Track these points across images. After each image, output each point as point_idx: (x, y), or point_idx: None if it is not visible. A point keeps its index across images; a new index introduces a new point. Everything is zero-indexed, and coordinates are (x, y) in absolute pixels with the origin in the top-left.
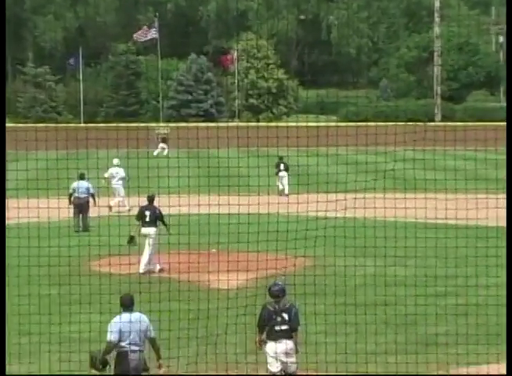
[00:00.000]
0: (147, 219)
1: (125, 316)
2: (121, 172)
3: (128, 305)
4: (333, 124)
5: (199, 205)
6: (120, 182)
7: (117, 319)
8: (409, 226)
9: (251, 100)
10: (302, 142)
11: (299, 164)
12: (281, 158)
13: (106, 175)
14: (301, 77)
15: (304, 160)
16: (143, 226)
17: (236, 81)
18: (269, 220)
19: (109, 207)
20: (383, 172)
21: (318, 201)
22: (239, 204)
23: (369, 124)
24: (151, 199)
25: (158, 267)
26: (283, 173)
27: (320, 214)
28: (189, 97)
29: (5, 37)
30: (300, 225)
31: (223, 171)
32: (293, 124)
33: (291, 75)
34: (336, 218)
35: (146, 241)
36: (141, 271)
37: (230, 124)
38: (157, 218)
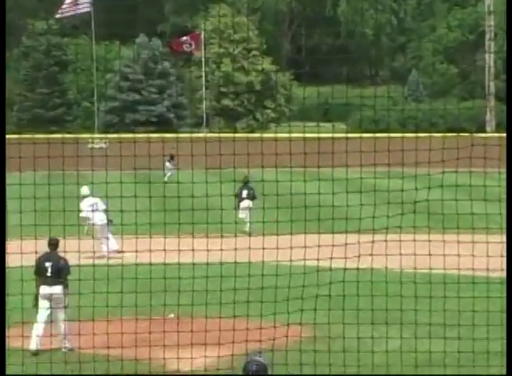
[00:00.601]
0: (48, 274)
1: None
2: (100, 204)
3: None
4: (341, 135)
5: (150, 251)
6: (103, 219)
7: None
8: (450, 281)
9: (225, 101)
10: (297, 160)
11: (293, 191)
12: (246, 182)
13: (82, 215)
14: (295, 68)
15: (300, 187)
16: (43, 284)
17: (204, 74)
18: (251, 272)
19: (119, 252)
20: (412, 204)
21: (319, 245)
22: (207, 250)
23: (392, 135)
24: (53, 244)
25: (67, 345)
26: (245, 203)
27: (323, 263)
28: (137, 97)
29: (4, 37)
30: (294, 279)
31: (185, 202)
32: (285, 135)
33: (282, 66)
34: (345, 269)
35: (45, 305)
36: (31, 347)
37: (195, 135)
38: (61, 273)
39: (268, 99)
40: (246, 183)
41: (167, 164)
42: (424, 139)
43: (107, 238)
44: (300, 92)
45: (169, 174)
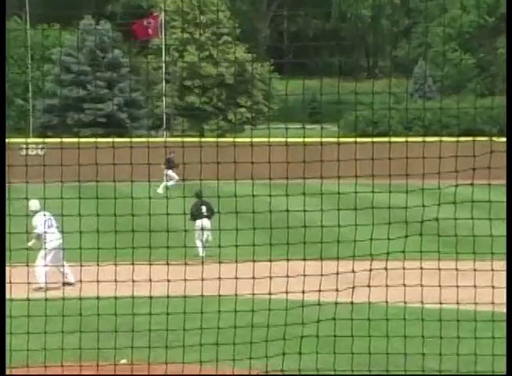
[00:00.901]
0: None
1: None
2: (54, 221)
3: None
4: (332, 139)
5: (98, 282)
6: (60, 239)
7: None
8: (465, 319)
9: (190, 98)
10: (278, 171)
11: (272, 208)
12: (200, 196)
13: (37, 231)
14: (276, 57)
15: (281, 203)
16: None
17: (164, 64)
18: (221, 307)
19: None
20: (418, 224)
21: (305, 274)
22: (168, 280)
23: (394, 140)
24: None
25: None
26: (205, 222)
27: (309, 296)
28: (81, 92)
29: (5, 38)
30: (274, 316)
31: (141, 221)
32: (263, 139)
33: (260, 55)
34: (336, 303)
35: None
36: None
37: (153, 139)
38: None
39: (243, 95)
40: (200, 197)
41: (170, 172)
42: (434, 144)
43: (63, 266)
44: (282, 86)
45: (171, 183)
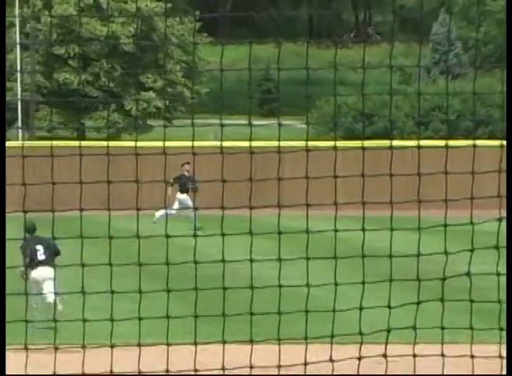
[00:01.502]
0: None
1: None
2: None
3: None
4: (296, 143)
5: None
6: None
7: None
8: None
9: (62, 75)
10: (208, 196)
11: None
12: (33, 230)
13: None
14: (205, 10)
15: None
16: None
17: (18, 18)
18: None
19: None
20: (438, 282)
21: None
22: None
23: (398, 143)
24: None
25: None
26: (38, 273)
27: None
28: None
29: (4, 38)
30: None
31: None
32: (186, 144)
33: (176, 6)
34: None
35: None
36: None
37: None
38: None
39: (150, 70)
40: (33, 233)
41: (183, 196)
42: (463, 151)
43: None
44: (214, 56)
45: (188, 205)
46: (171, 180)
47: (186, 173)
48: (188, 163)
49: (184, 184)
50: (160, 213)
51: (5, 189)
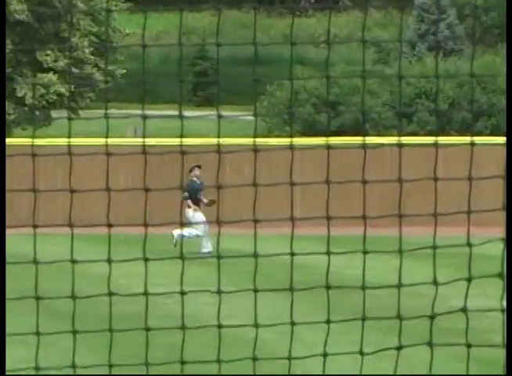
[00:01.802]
0: None
1: None
2: None
3: None
4: (241, 140)
5: None
6: None
7: None
8: None
9: None
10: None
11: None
12: None
13: None
14: None
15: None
16: None
17: None
18: None
19: None
20: (425, 321)
21: None
22: None
23: (374, 140)
24: None
25: None
26: None
27: None
28: None
29: (4, 39)
30: None
31: None
32: (97, 141)
33: None
34: None
35: None
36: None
37: None
38: None
39: (48, 44)
40: None
41: (196, 213)
42: (459, 149)
43: None
44: (134, 25)
45: (189, 233)
46: (186, 194)
47: (197, 180)
48: (199, 167)
49: (195, 194)
50: (180, 232)
51: (5, 189)
